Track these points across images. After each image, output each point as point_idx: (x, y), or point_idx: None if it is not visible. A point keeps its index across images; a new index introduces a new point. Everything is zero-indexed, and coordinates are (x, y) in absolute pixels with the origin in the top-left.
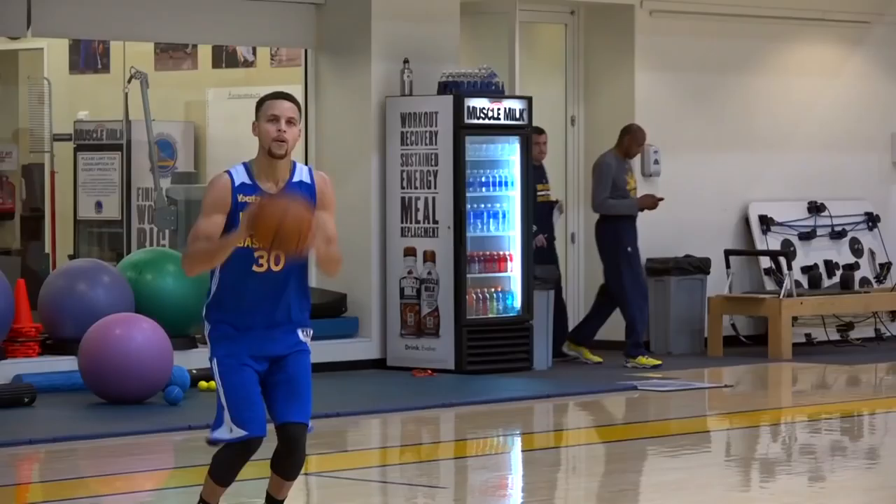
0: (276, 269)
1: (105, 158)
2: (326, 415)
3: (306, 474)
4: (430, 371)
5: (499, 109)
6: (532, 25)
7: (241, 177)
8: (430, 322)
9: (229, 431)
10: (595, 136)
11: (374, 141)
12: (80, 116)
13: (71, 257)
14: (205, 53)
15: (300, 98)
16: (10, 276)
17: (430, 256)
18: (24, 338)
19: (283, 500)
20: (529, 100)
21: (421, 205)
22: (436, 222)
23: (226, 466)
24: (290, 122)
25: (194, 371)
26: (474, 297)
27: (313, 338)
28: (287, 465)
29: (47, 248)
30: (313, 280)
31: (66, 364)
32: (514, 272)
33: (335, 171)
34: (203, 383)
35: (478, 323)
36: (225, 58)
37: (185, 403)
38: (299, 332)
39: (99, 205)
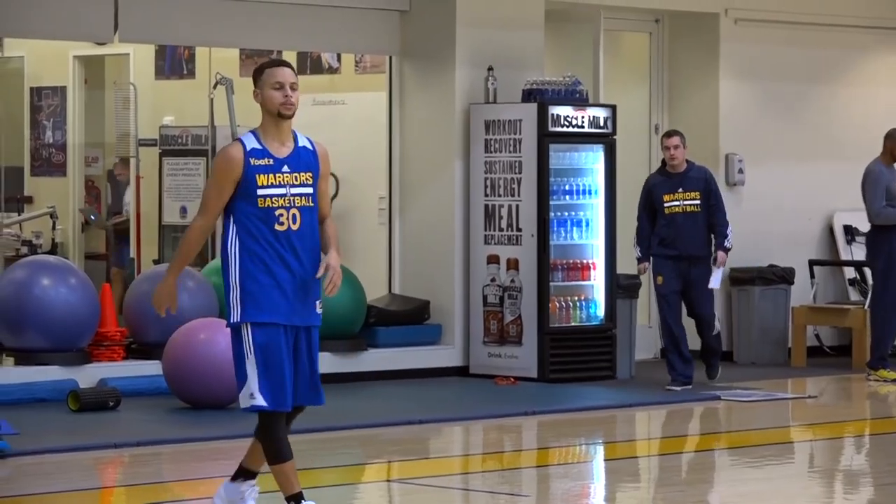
0: (295, 228)
1: (190, 164)
2: (409, 422)
3: (388, 481)
4: (512, 379)
5: (583, 117)
6: (616, 33)
7: (251, 143)
8: (512, 330)
9: (251, 398)
10: None
11: (457, 148)
12: (165, 122)
13: (156, 262)
14: (289, 59)
15: (384, 105)
16: (95, 281)
17: (513, 264)
18: (110, 342)
19: (300, 493)
20: (613, 108)
21: (504, 212)
22: (519, 230)
23: (271, 441)
24: (292, 87)
25: None
26: (557, 305)
27: (397, 344)
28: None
29: (132, 253)
30: (397, 287)
31: (150, 368)
32: (597, 281)
33: (419, 178)
34: None
35: (561, 331)
36: (310, 64)
37: None
38: (316, 305)
39: (183, 209)
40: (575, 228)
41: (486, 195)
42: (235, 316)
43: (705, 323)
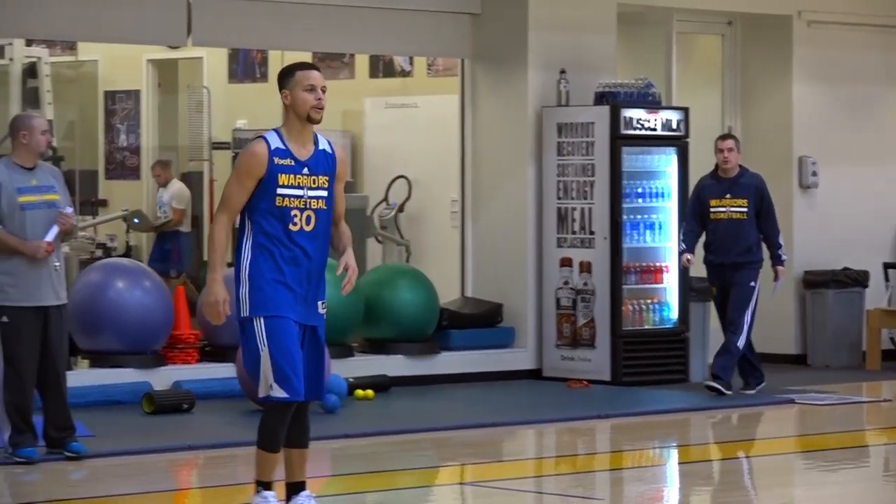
0: (308, 229)
1: None
2: (482, 424)
3: (461, 483)
4: (585, 382)
5: (655, 120)
6: (689, 36)
7: (275, 142)
8: (585, 333)
9: (269, 390)
10: (752, 146)
11: (530, 151)
12: (238, 125)
13: (229, 265)
14: (362, 63)
15: (457, 107)
16: (169, 284)
17: (586, 267)
18: (184, 345)
19: (304, 483)
20: (686, 110)
21: (577, 215)
22: (592, 233)
23: (271, 429)
24: (323, 90)
25: (351, 379)
26: (630, 308)
27: (469, 347)
28: (301, 433)
29: (206, 256)
30: (470, 290)
31: (224, 371)
32: (670, 283)
33: (491, 181)
34: (360, 391)
35: (634, 334)
36: (382, 67)
37: (343, 411)
38: (319, 305)
39: None
40: (647, 231)
41: (559, 198)
42: (245, 310)
43: (732, 325)
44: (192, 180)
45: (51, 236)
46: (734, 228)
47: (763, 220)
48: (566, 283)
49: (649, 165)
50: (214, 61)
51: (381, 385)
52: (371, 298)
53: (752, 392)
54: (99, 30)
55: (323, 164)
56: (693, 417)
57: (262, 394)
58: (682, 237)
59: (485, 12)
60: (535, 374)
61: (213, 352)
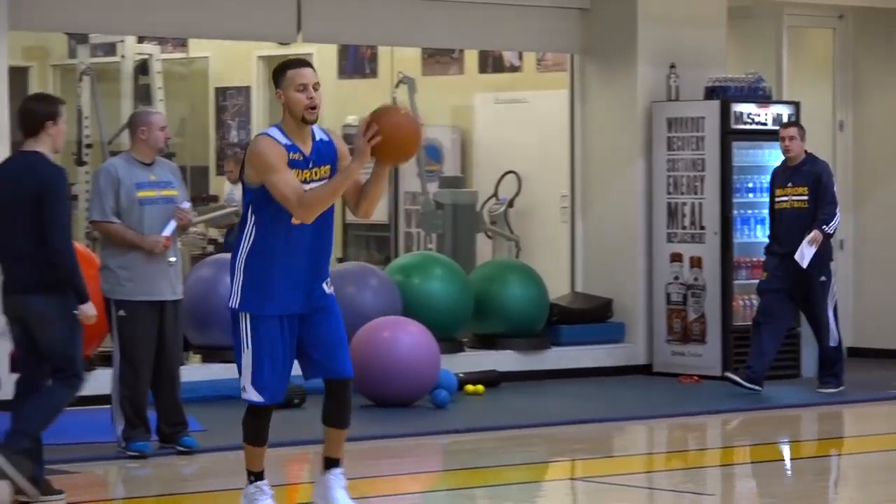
0: (307, 222)
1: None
2: (592, 420)
3: (572, 479)
4: (696, 377)
5: (766, 114)
6: (799, 30)
7: (282, 138)
8: (696, 328)
9: (244, 392)
10: (864, 140)
11: (639, 146)
12: (348, 121)
13: (340, 260)
14: (471, 58)
15: (566, 103)
16: None
17: (696, 262)
18: None
19: (340, 460)
20: (797, 105)
21: (687, 210)
22: (702, 228)
23: (251, 426)
24: (315, 87)
25: (461, 374)
26: (741, 303)
27: (580, 342)
28: (341, 414)
29: None
30: (580, 285)
31: None
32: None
33: (601, 176)
34: (470, 387)
35: (745, 329)
36: (491, 63)
37: (453, 407)
38: (324, 286)
39: None
40: (758, 226)
41: (669, 193)
42: (234, 302)
43: (818, 325)
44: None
45: (168, 231)
46: (796, 217)
47: (819, 204)
48: (676, 278)
49: (760, 160)
50: (324, 57)
51: (491, 380)
52: (481, 294)
53: (747, 385)
54: (210, 27)
55: (324, 154)
56: (805, 413)
57: (241, 394)
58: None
59: (594, 7)
60: (645, 370)
61: None
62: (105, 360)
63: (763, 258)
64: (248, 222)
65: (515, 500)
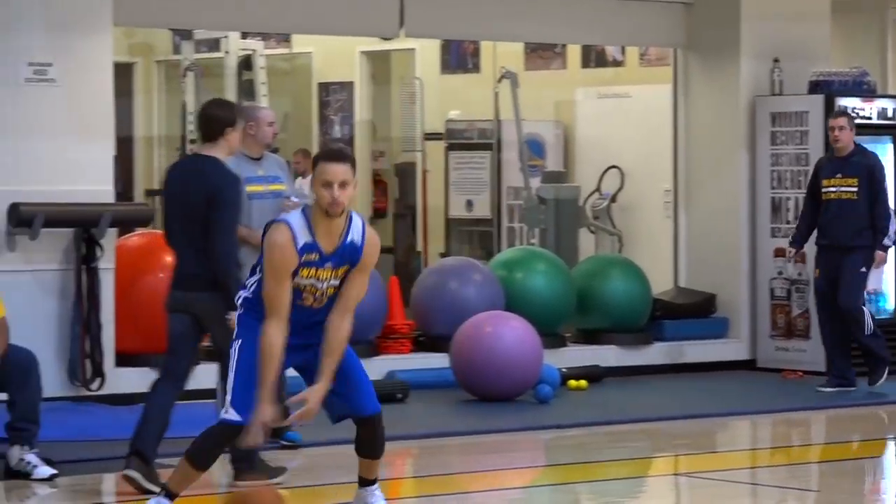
0: (316, 306)
1: (476, 157)
2: (695, 415)
3: (675, 474)
4: (800, 373)
5: (870, 109)
6: None
7: (302, 236)
8: (800, 324)
9: (223, 412)
10: None
11: (743, 140)
12: (450, 116)
13: (442, 255)
14: (574, 53)
15: (669, 97)
16: (383, 274)
17: (800, 257)
18: (397, 335)
19: (376, 479)
20: None
21: (791, 205)
22: None
23: (208, 446)
24: (342, 185)
25: (564, 370)
26: None
27: (683, 338)
28: (373, 447)
29: (419, 247)
30: (683, 280)
31: (437, 361)
32: (886, 274)
33: (704, 170)
34: (573, 382)
35: None
36: (594, 57)
37: (555, 402)
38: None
39: (470, 203)
40: None
41: (773, 188)
42: (233, 332)
43: (849, 317)
44: (405, 171)
45: None
46: (844, 209)
47: (872, 203)
48: (780, 273)
49: None
50: (427, 52)
51: (594, 375)
52: (584, 289)
53: (828, 391)
54: (313, 22)
55: (348, 256)
56: None
57: (220, 413)
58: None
59: (697, 1)
60: (748, 365)
61: (426, 342)
62: (210, 355)
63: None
64: (252, 284)
65: (618, 496)
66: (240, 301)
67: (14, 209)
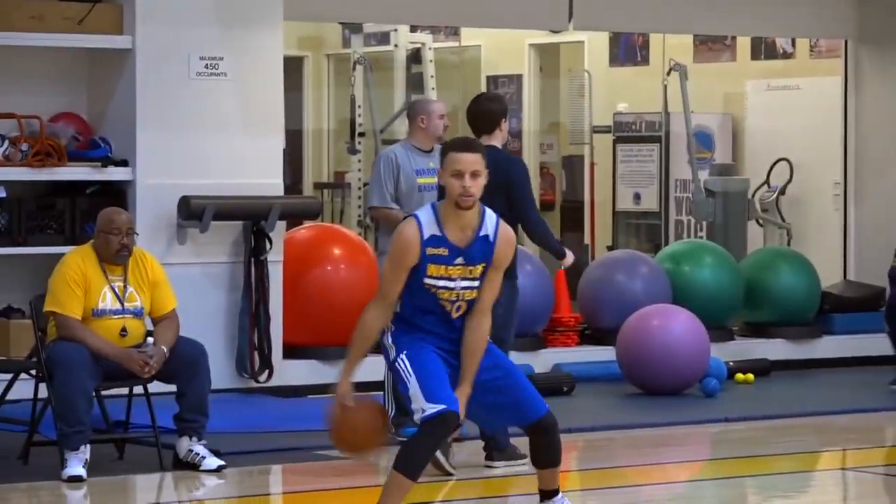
0: (456, 315)
1: (644, 150)
2: (864, 409)
3: (843, 469)
4: None
5: None
6: None
7: (430, 228)
8: None
9: (422, 412)
10: None
11: None
12: (619, 108)
13: (609, 248)
14: (743, 45)
15: (840, 89)
16: (550, 267)
17: None
18: (564, 328)
19: (558, 489)
20: None
21: None
22: None
23: (416, 451)
24: (474, 175)
25: (731, 363)
26: None
27: (852, 331)
28: (551, 454)
29: (586, 239)
30: (852, 274)
31: (603, 354)
32: None
33: (874, 163)
34: (740, 375)
35: None
36: (764, 49)
37: (722, 395)
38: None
39: (637, 196)
40: None
41: None
42: (392, 354)
43: None
44: (573, 164)
45: None
46: None
47: None
48: None
49: None
50: (596, 45)
51: (762, 369)
52: (752, 281)
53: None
54: (482, 16)
55: (481, 252)
56: None
57: (418, 420)
58: None
59: None
60: None
61: (593, 335)
62: (376, 349)
63: None
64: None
65: (785, 490)
66: (391, 329)
67: (184, 202)
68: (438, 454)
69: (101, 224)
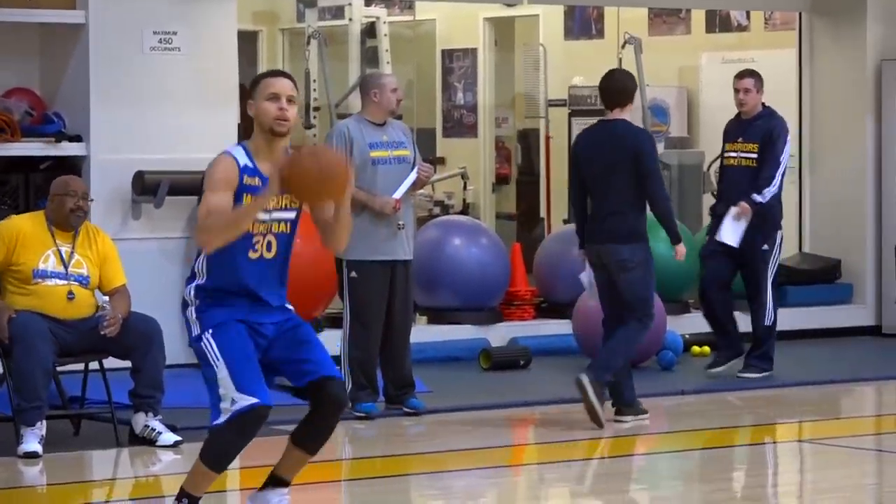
0: (268, 255)
1: None
2: (819, 381)
3: (799, 441)
4: None
5: None
6: None
7: (242, 158)
8: None
9: (232, 403)
10: None
11: (870, 105)
12: (574, 82)
13: (565, 221)
14: (698, 18)
15: (794, 62)
16: (506, 241)
17: None
18: (520, 301)
19: (290, 482)
20: None
21: None
22: None
23: (225, 445)
24: (290, 100)
25: (687, 336)
26: None
27: (808, 303)
28: (322, 429)
29: (542, 213)
30: (807, 246)
31: (560, 327)
32: None
33: (829, 136)
34: (696, 348)
35: None
36: (718, 22)
37: (678, 368)
38: (288, 307)
39: None
40: None
41: None
42: (196, 330)
43: (753, 299)
44: (528, 138)
45: (399, 194)
46: (742, 176)
47: (760, 165)
48: None
49: None
50: (550, 18)
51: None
52: None
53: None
54: None
55: None
56: None
57: (222, 419)
58: None
59: None
60: (874, 331)
61: (549, 308)
62: (333, 322)
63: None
64: (201, 254)
65: (741, 463)
66: (191, 293)
67: (139, 177)
68: (595, 405)
69: (56, 188)
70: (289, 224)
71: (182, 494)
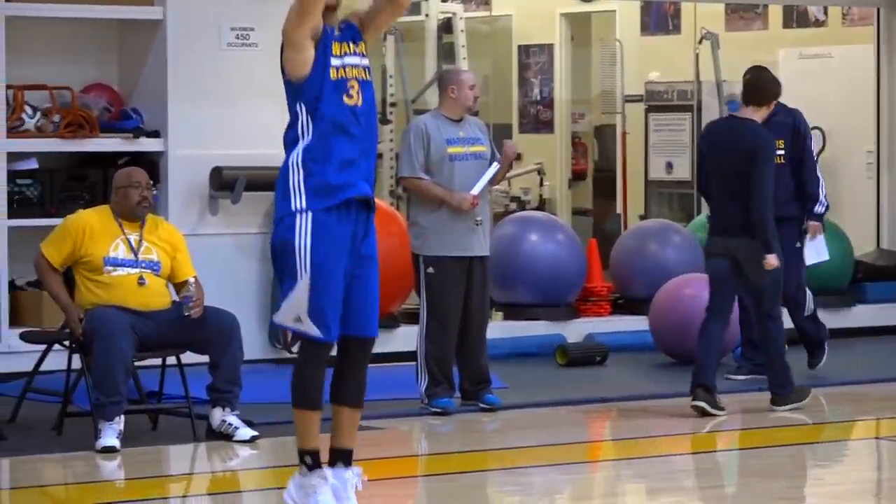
0: (359, 105)
1: (676, 119)
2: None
3: (877, 438)
4: None
5: None
6: None
7: None
8: None
9: (298, 322)
10: None
11: None
12: (650, 77)
13: (642, 217)
14: (775, 13)
15: (872, 57)
16: (582, 236)
17: None
18: (596, 297)
19: (352, 451)
20: None
21: None
22: None
23: (307, 381)
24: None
25: None
26: None
27: (885, 300)
28: (355, 389)
29: (619, 209)
30: (885, 242)
31: (636, 323)
32: None
33: None
34: None
35: None
36: (796, 17)
37: None
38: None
39: (669, 165)
40: None
41: None
42: (296, 203)
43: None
44: (604, 133)
45: (476, 190)
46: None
47: (800, 165)
48: None
49: None
50: (627, 14)
51: (794, 339)
52: None
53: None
54: None
55: (350, 30)
56: None
57: (283, 322)
58: None
59: None
60: None
61: (625, 304)
62: (410, 318)
63: None
64: (300, 113)
65: (818, 459)
66: (298, 157)
67: (216, 173)
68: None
69: (119, 181)
70: (366, 71)
71: (300, 456)
